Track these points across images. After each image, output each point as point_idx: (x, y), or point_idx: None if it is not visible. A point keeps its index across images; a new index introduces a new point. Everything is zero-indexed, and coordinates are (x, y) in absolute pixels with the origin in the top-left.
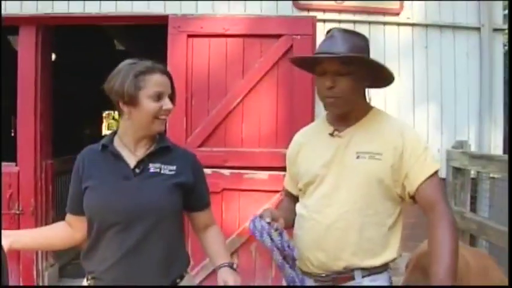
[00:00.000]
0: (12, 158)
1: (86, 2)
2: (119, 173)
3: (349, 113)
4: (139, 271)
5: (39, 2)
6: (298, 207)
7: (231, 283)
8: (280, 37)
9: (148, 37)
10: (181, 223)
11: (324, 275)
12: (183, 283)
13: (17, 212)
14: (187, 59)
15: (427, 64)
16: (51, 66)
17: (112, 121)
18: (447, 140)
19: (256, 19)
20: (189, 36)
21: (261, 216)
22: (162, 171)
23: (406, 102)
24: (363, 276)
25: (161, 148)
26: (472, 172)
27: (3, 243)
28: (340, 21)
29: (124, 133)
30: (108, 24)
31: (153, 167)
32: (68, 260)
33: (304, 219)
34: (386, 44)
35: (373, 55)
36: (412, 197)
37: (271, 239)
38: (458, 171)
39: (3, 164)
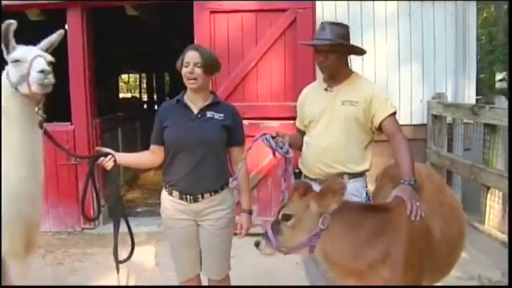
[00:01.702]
0: (68, 118)
1: None
2: (187, 117)
3: (335, 74)
4: (199, 180)
5: None
6: (305, 137)
7: (244, 226)
8: (286, 11)
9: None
10: (226, 153)
11: (324, 178)
12: (226, 191)
13: (75, 163)
14: (210, 31)
15: (411, 30)
16: (93, 41)
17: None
18: (428, 92)
19: None
20: (211, 12)
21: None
22: (214, 117)
23: (393, 62)
24: (349, 178)
25: (213, 102)
26: (449, 118)
27: (117, 158)
28: None
29: (188, 92)
30: (141, 3)
31: (208, 114)
32: (112, 204)
33: (309, 144)
34: (375, 14)
35: (364, 23)
36: (378, 129)
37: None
38: (436, 118)
39: (62, 123)
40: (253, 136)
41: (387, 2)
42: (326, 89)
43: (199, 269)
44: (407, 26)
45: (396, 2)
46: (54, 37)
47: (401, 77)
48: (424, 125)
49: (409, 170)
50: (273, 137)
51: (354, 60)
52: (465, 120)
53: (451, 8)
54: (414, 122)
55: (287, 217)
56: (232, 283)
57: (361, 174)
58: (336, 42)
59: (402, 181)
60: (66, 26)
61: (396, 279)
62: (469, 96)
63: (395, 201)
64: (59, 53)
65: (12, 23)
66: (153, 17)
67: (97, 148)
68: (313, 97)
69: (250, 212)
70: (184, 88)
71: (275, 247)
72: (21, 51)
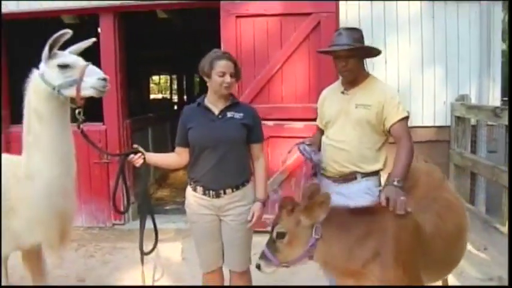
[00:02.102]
0: (101, 119)
1: None
2: (209, 118)
3: (355, 78)
4: (222, 176)
5: None
6: (323, 137)
7: (255, 214)
8: (310, 15)
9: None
10: (246, 151)
11: (337, 176)
12: (246, 188)
13: (106, 162)
14: (236, 35)
15: (434, 31)
16: (125, 45)
17: (153, 85)
18: (451, 94)
19: (290, 1)
20: (237, 17)
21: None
22: (234, 117)
23: (416, 64)
24: (362, 177)
25: (233, 103)
26: (473, 120)
27: (146, 157)
28: None
29: (209, 95)
30: (169, 8)
31: (229, 114)
32: (141, 202)
33: (325, 144)
34: (398, 16)
35: (388, 26)
36: (389, 132)
37: (306, 152)
38: (459, 119)
39: (95, 123)
40: (279, 136)
41: (410, 4)
42: (343, 92)
43: (222, 261)
44: (430, 27)
45: (419, 3)
46: (86, 44)
47: (425, 79)
48: (448, 126)
49: (397, 171)
50: (309, 145)
51: (377, 63)
52: (489, 123)
53: (476, 9)
54: (438, 124)
55: (281, 235)
56: (254, 278)
57: (374, 173)
58: (355, 46)
59: (387, 182)
60: (99, 29)
61: (389, 276)
62: (494, 98)
63: (378, 203)
64: (92, 56)
65: (67, 33)
66: (183, 19)
67: (134, 146)
68: (331, 99)
69: (263, 202)
70: (207, 91)
71: (276, 265)
72: (70, 58)
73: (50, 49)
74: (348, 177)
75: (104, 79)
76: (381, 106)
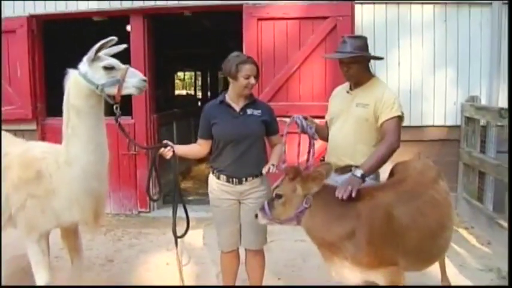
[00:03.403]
0: (129, 112)
1: None
2: (231, 114)
3: (359, 81)
4: (244, 166)
5: None
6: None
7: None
8: (327, 18)
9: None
10: (264, 145)
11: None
12: (264, 175)
13: (134, 153)
14: (258, 37)
15: (446, 34)
16: (154, 46)
17: (178, 81)
18: (462, 95)
19: (308, 5)
20: (259, 19)
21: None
22: (253, 114)
23: (428, 66)
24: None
25: (252, 101)
26: (482, 121)
27: (175, 149)
28: (374, 2)
29: (231, 94)
30: (195, 10)
31: (248, 111)
32: (167, 192)
33: (328, 139)
34: (412, 19)
35: (401, 29)
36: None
37: (302, 124)
38: (469, 120)
39: (123, 117)
40: (296, 133)
41: (424, 7)
42: (348, 92)
43: (240, 243)
44: (443, 30)
45: (433, 7)
46: (117, 48)
47: (437, 80)
48: (458, 126)
49: (366, 165)
50: (305, 118)
51: (391, 64)
52: (499, 123)
53: (487, 12)
54: (448, 124)
55: (279, 196)
56: (270, 263)
57: None
58: (355, 54)
59: (353, 171)
60: (128, 28)
61: (360, 255)
62: (504, 99)
63: (362, 189)
64: (122, 55)
65: (113, 40)
66: (208, 19)
67: (164, 141)
68: (338, 97)
69: (273, 165)
70: (227, 88)
71: (269, 218)
72: (113, 60)
73: (96, 53)
74: (344, 170)
75: (144, 80)
76: (377, 104)
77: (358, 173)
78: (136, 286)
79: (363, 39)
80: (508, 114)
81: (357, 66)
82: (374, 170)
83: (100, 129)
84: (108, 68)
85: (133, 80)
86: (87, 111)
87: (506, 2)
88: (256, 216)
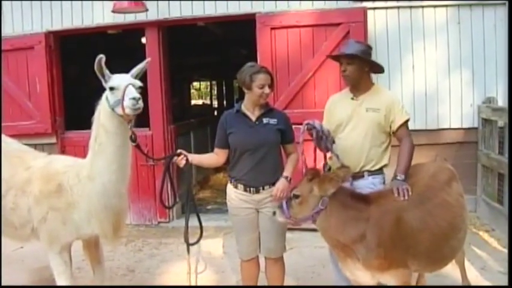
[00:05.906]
0: (147, 124)
1: (193, 8)
2: (247, 124)
3: (357, 85)
4: (260, 175)
5: (159, 9)
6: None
7: (279, 187)
8: (340, 25)
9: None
10: (280, 153)
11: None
12: (279, 182)
13: (152, 164)
14: (272, 45)
15: (460, 36)
16: (168, 56)
17: (194, 91)
18: (478, 96)
19: (320, 12)
20: (272, 28)
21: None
22: (269, 123)
23: (443, 68)
24: (369, 175)
25: (268, 110)
26: (500, 122)
27: (189, 157)
28: (386, 8)
29: (247, 103)
30: (209, 21)
31: (264, 120)
32: (185, 201)
33: (337, 145)
34: (425, 23)
35: (415, 32)
36: (393, 133)
37: (320, 128)
38: (486, 121)
39: (141, 129)
40: (310, 140)
41: (436, 10)
42: (352, 98)
43: (259, 250)
44: (456, 32)
45: (445, 9)
46: (143, 65)
47: (452, 82)
48: (476, 128)
49: (400, 168)
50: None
51: (405, 69)
52: None
53: (501, 12)
54: (465, 126)
55: (296, 196)
56: (289, 269)
57: (380, 171)
58: (351, 55)
59: (394, 177)
60: (143, 40)
61: (371, 257)
62: None
63: (375, 193)
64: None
65: (101, 58)
66: (222, 29)
67: (178, 150)
68: (341, 104)
69: (287, 178)
70: (243, 97)
71: (286, 217)
72: (116, 80)
73: (102, 76)
74: (357, 175)
75: (134, 98)
76: (389, 109)
77: (400, 177)
78: (136, 286)
79: (367, 46)
80: (508, 114)
81: (354, 67)
82: (408, 170)
83: (126, 150)
84: (112, 89)
85: (127, 100)
86: (113, 131)
87: None
88: (274, 213)
